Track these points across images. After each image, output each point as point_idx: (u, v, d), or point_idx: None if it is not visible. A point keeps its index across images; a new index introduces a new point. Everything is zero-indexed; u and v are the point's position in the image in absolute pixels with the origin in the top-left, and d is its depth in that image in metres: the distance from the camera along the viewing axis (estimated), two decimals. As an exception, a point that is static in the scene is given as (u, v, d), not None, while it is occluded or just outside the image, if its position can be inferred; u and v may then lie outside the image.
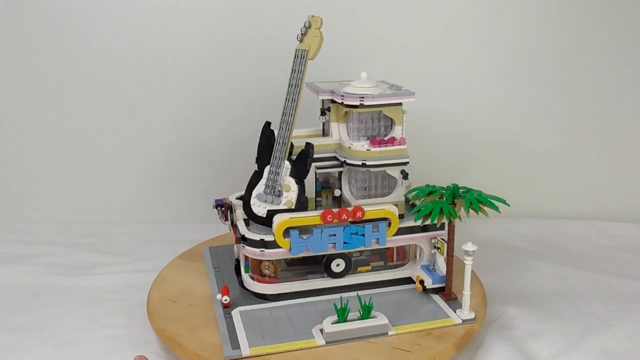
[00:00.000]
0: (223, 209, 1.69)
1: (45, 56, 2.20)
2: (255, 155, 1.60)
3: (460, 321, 1.50)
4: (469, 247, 1.45)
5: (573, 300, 1.75)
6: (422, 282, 1.61)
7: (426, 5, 2.23)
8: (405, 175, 1.61)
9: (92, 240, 2.17)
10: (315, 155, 1.57)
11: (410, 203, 1.71)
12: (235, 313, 1.53)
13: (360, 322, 1.45)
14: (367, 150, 1.57)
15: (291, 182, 1.55)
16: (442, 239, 1.60)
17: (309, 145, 1.55)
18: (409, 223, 1.61)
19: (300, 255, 1.55)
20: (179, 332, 1.46)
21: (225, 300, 1.55)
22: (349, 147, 1.59)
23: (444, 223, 1.55)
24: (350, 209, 1.55)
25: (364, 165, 1.57)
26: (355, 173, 1.65)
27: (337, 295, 1.59)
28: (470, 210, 1.51)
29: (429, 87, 2.23)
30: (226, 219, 1.69)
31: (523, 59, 2.28)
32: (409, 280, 1.68)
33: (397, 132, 1.62)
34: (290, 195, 1.55)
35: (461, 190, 1.57)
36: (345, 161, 1.60)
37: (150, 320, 1.54)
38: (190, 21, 2.19)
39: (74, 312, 1.69)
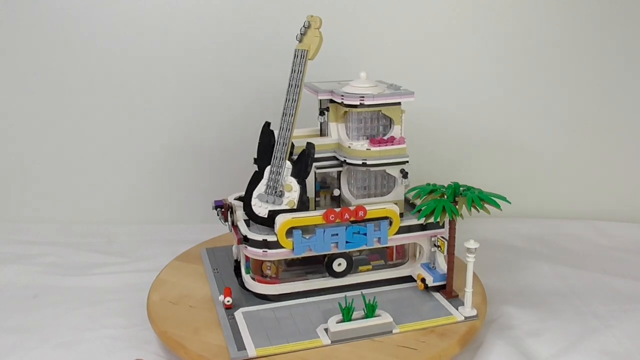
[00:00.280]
0: (222, 209, 1.69)
1: (45, 56, 2.20)
2: (255, 156, 1.60)
3: (463, 318, 1.51)
4: (472, 244, 1.46)
5: (573, 300, 1.75)
6: (423, 280, 1.62)
7: (426, 5, 2.23)
8: (404, 175, 1.62)
9: (92, 240, 2.17)
10: (314, 155, 1.57)
11: (410, 202, 1.72)
12: (238, 314, 1.52)
13: (365, 320, 1.45)
14: (367, 149, 1.58)
15: (293, 182, 1.55)
16: (442, 237, 1.61)
17: (310, 145, 1.55)
18: (410, 222, 1.61)
19: (303, 255, 1.55)
20: (182, 334, 1.45)
21: (228, 301, 1.54)
22: (349, 147, 1.59)
23: (444, 221, 1.55)
24: (352, 208, 1.55)
25: (364, 164, 1.58)
26: (355, 172, 1.65)
27: (338, 295, 1.59)
28: (472, 209, 1.52)
29: (429, 87, 2.23)
30: (226, 220, 1.68)
31: (523, 59, 2.28)
32: (408, 279, 1.68)
33: (396, 131, 1.63)
34: (292, 195, 1.55)
35: (462, 189, 1.58)
36: (345, 161, 1.60)
37: (152, 322, 1.53)
38: (190, 21, 2.19)
39: (74, 312, 1.69)
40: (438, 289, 1.63)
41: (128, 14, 2.18)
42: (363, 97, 1.55)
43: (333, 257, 1.59)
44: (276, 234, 1.52)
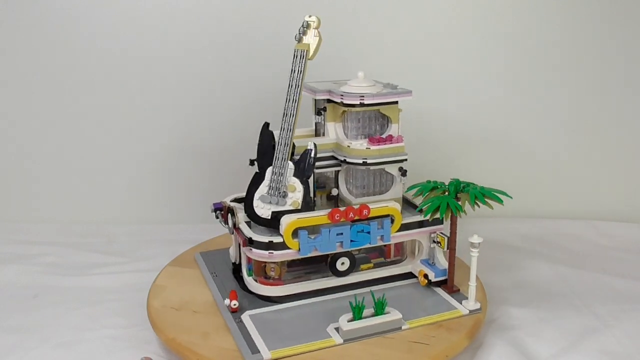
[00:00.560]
0: (222, 212, 1.67)
1: (45, 56, 2.20)
2: (254, 157, 1.59)
3: (467, 312, 1.54)
4: (475, 239, 1.49)
5: (573, 300, 1.75)
6: (426, 276, 1.63)
7: (426, 5, 2.23)
8: (403, 172, 1.63)
9: (92, 240, 2.17)
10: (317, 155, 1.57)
11: (409, 201, 1.73)
12: (245, 317, 1.51)
13: (376, 318, 1.46)
14: (367, 148, 1.58)
15: (296, 183, 1.54)
16: (442, 234, 1.62)
17: (312, 145, 1.55)
18: (410, 219, 1.63)
19: (309, 255, 1.54)
20: (192, 341, 1.42)
21: (234, 304, 1.52)
22: (348, 146, 1.60)
23: (443, 218, 1.58)
24: (356, 207, 1.55)
25: (364, 163, 1.58)
26: (355, 172, 1.66)
27: (341, 294, 1.60)
28: (475, 204, 1.54)
29: (429, 87, 2.23)
30: (226, 222, 1.67)
31: (523, 59, 2.28)
32: (407, 276, 1.69)
33: (393, 129, 1.64)
34: (296, 195, 1.54)
35: (462, 185, 1.60)
36: (345, 160, 1.60)
37: (156, 330, 1.50)
38: (190, 21, 2.19)
39: (74, 312, 1.69)
40: (438, 284, 1.65)
41: (128, 14, 2.18)
42: (363, 96, 1.56)
43: (336, 256, 1.59)
44: (282, 235, 1.51)
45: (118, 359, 1.48)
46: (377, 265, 1.70)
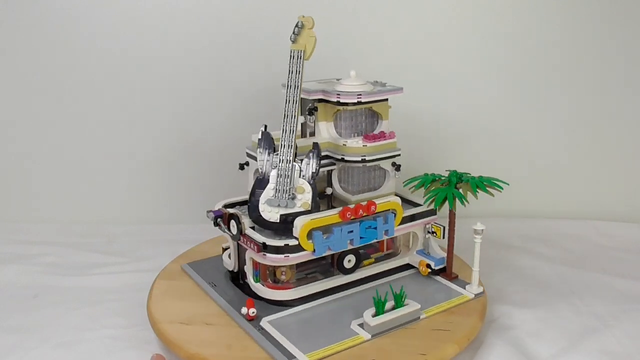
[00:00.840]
0: (223, 219, 1.62)
1: (45, 56, 2.20)
2: (241, 161, 1.59)
3: (473, 296, 1.60)
4: (479, 226, 1.55)
5: (573, 300, 1.75)
6: (428, 265, 1.68)
7: (426, 5, 2.23)
8: (397, 167, 1.66)
9: (92, 240, 2.17)
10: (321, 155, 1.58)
11: (401, 194, 1.76)
12: (265, 324, 1.47)
13: (397, 310, 1.48)
14: (364, 145, 1.60)
15: (304, 184, 1.52)
16: (437, 224, 1.67)
17: (315, 145, 1.54)
18: (408, 212, 1.67)
19: (323, 255, 1.54)
20: (218, 353, 1.37)
21: (252, 312, 1.48)
22: (344, 145, 1.60)
23: (437, 209, 1.64)
24: (364, 204, 1.56)
25: (363, 160, 1.59)
26: (352, 170, 1.67)
27: (347, 292, 1.61)
28: (474, 194, 1.59)
29: (429, 87, 2.24)
30: (228, 229, 1.61)
31: (523, 59, 2.28)
32: (404, 268, 1.74)
33: (384, 126, 1.67)
34: (306, 196, 1.52)
35: (459, 176, 1.65)
36: (342, 158, 1.61)
37: (174, 348, 1.41)
38: (190, 21, 2.19)
39: (74, 312, 1.69)
40: (437, 272, 1.70)
41: (128, 14, 2.18)
42: (360, 94, 1.57)
43: (343, 254, 1.60)
44: (297, 237, 1.49)
45: (118, 359, 1.48)
46: (377, 260, 1.73)
